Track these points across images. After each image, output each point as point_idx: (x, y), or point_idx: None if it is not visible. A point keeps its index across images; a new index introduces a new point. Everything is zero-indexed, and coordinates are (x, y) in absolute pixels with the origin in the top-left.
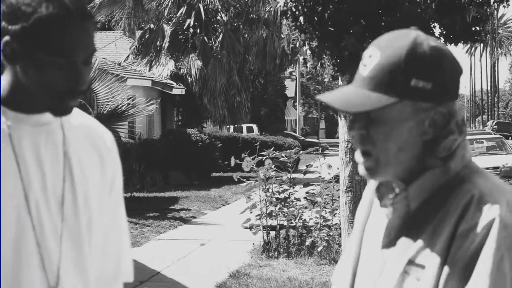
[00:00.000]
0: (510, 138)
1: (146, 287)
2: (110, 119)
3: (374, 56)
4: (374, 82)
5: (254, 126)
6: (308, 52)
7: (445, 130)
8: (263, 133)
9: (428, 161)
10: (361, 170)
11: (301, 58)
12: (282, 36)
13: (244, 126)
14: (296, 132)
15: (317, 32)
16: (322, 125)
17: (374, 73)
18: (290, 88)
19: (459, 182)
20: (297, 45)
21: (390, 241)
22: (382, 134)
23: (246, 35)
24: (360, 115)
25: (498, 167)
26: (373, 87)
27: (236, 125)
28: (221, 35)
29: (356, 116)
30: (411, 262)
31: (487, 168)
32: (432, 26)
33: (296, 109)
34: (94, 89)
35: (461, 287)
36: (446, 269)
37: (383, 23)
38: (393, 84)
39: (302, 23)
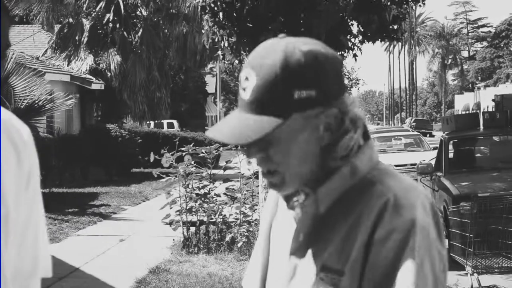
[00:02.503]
0: (427, 135)
1: (64, 283)
2: (27, 113)
3: (251, 78)
4: (257, 105)
5: (175, 122)
6: (227, 47)
7: (341, 130)
8: (184, 129)
9: (330, 163)
10: (269, 185)
11: (220, 53)
12: (203, 31)
13: (165, 122)
14: None
15: (235, 28)
16: None
17: (254, 96)
18: (211, 84)
19: (370, 184)
20: (216, 40)
21: (299, 245)
22: (281, 153)
23: (166, 31)
24: (254, 141)
25: (415, 164)
26: (258, 111)
27: (156, 121)
28: (140, 30)
29: (251, 142)
30: (325, 268)
31: (405, 165)
32: (350, 24)
33: (216, 105)
34: (11, 83)
35: None
36: (367, 275)
37: (301, 20)
38: (277, 103)
39: (221, 18)
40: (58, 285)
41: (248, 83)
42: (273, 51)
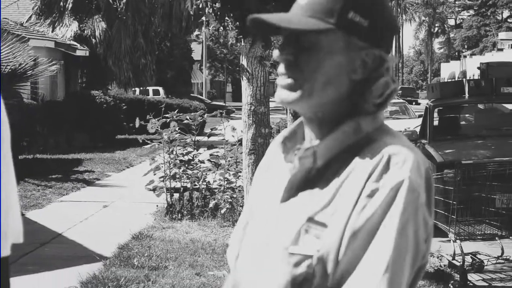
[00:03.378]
0: (413, 103)
1: (47, 249)
2: (11, 79)
3: None
4: (312, 8)
5: (160, 89)
6: (211, 13)
7: (376, 73)
8: (170, 96)
9: (362, 104)
10: (280, 94)
11: (204, 19)
12: None
13: (150, 88)
14: (202, 95)
15: None
16: (229, 88)
17: (312, 0)
18: (197, 51)
19: (369, 142)
20: (201, 6)
21: (290, 196)
22: (310, 63)
23: None
24: (291, 40)
25: (400, 131)
26: (311, 14)
27: (141, 88)
28: None
29: (287, 39)
30: (311, 220)
31: None
32: None
33: (202, 72)
34: None
35: (364, 248)
36: (348, 229)
37: None
38: (331, 12)
39: None
40: (41, 250)
41: None
42: None
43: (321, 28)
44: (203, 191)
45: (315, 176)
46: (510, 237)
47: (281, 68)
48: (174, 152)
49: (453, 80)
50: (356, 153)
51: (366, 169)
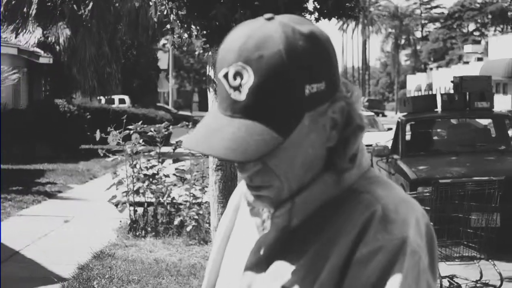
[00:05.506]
0: (380, 115)
1: (4, 268)
2: None
3: (246, 76)
4: (259, 110)
5: (126, 98)
6: (176, 21)
7: (351, 126)
8: (135, 105)
9: (339, 165)
10: (257, 200)
11: (169, 27)
12: (150, 3)
13: (116, 97)
14: (168, 105)
15: (185, 0)
16: (196, 98)
17: (255, 99)
18: (163, 60)
19: (355, 194)
20: (166, 13)
21: (258, 261)
22: (285, 163)
23: (117, 4)
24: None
25: (370, 145)
26: (262, 117)
27: (106, 97)
28: (91, 4)
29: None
30: None
31: None
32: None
33: (169, 81)
34: None
35: None
36: None
37: None
38: (287, 104)
39: None
40: None
41: (242, 82)
42: (270, 37)
43: (288, 137)
44: (168, 207)
45: (289, 236)
46: (489, 260)
47: (249, 180)
48: (138, 166)
49: (423, 93)
50: (341, 208)
51: (355, 229)
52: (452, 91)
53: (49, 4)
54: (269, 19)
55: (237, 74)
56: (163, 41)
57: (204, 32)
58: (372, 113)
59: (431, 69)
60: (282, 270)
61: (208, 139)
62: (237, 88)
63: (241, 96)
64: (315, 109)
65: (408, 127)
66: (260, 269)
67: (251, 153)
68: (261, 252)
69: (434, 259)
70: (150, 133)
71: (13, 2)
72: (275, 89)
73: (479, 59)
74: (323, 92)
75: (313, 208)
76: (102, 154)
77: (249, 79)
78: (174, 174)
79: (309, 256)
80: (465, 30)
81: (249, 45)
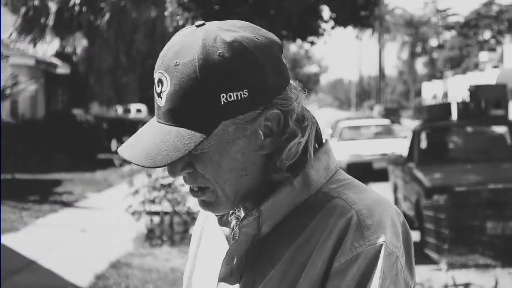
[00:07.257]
0: (395, 123)
1: (19, 278)
2: None
3: (165, 82)
4: (175, 115)
5: (143, 107)
6: None
7: (286, 134)
8: (153, 114)
9: (273, 177)
10: (201, 205)
11: None
12: (166, 14)
13: (133, 107)
14: None
15: (201, 11)
16: None
17: (171, 105)
18: None
19: (326, 199)
20: (181, 23)
21: (230, 271)
22: (212, 168)
23: (134, 15)
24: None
25: (385, 154)
26: (178, 122)
27: (123, 106)
28: (107, 14)
29: (171, 163)
30: None
31: (374, 155)
32: (321, 8)
33: None
34: None
35: None
36: None
37: (271, 4)
38: (200, 112)
39: (186, 0)
40: (12, 280)
41: (163, 89)
42: (189, 45)
43: (199, 142)
44: (184, 216)
45: (260, 244)
46: (505, 268)
47: (185, 181)
48: (154, 175)
49: (441, 102)
50: (312, 213)
51: (331, 238)
52: (468, 99)
53: (67, 15)
54: (198, 25)
55: (159, 81)
56: None
57: None
58: (388, 122)
59: (447, 76)
60: (256, 280)
61: (133, 146)
62: (160, 95)
63: (162, 102)
64: (235, 117)
65: (423, 135)
66: (233, 280)
67: (161, 159)
68: (234, 262)
69: (410, 256)
70: None
71: (30, 13)
72: (187, 97)
73: (495, 67)
74: (246, 100)
75: (283, 214)
76: (118, 165)
77: (167, 86)
78: None
79: (283, 263)
80: (481, 38)
81: (170, 53)
